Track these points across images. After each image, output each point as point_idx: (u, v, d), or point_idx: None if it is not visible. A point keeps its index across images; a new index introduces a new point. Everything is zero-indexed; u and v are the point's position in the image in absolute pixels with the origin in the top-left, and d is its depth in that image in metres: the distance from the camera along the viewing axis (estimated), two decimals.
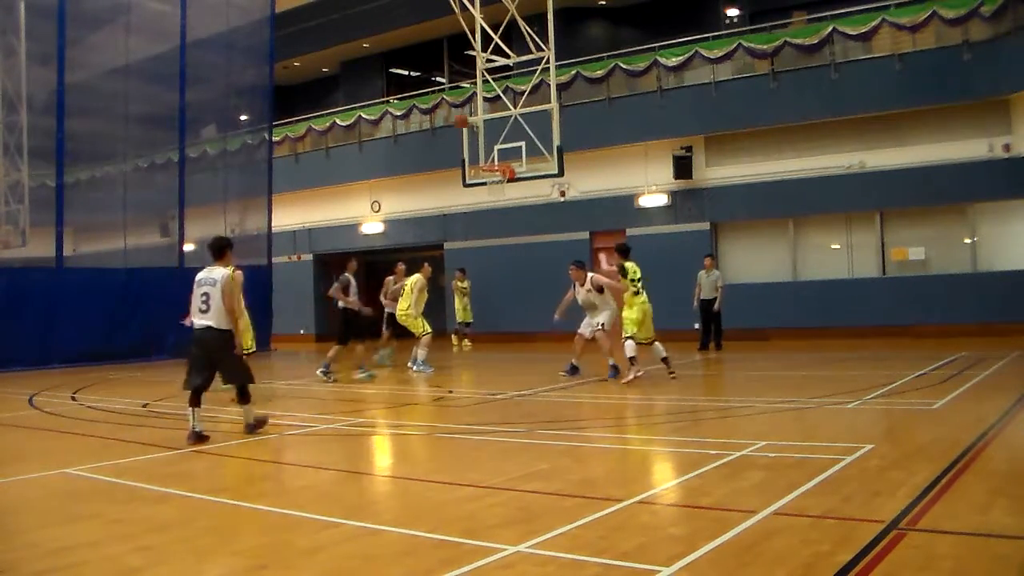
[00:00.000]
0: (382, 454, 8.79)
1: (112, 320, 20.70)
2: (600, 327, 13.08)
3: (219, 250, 9.30)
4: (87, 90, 21.91)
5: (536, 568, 4.40)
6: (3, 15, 21.33)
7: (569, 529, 5.01)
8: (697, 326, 19.11)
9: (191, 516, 5.79)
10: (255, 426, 9.33)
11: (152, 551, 4.94)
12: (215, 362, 9.04)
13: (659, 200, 22.41)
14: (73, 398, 13.17)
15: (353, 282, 14.68)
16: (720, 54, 21.18)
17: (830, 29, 19.83)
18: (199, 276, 9.16)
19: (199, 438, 8.67)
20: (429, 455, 8.34)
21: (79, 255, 23.03)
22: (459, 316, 22.46)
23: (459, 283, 22.52)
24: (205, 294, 9.00)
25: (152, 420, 10.74)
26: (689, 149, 21.75)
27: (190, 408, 8.83)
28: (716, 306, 18.38)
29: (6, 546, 5.22)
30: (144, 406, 12.02)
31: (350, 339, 14.72)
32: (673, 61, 21.85)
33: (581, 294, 13.32)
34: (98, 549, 5.05)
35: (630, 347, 12.43)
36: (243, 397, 9.29)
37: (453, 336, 22.56)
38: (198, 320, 9.03)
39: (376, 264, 28.69)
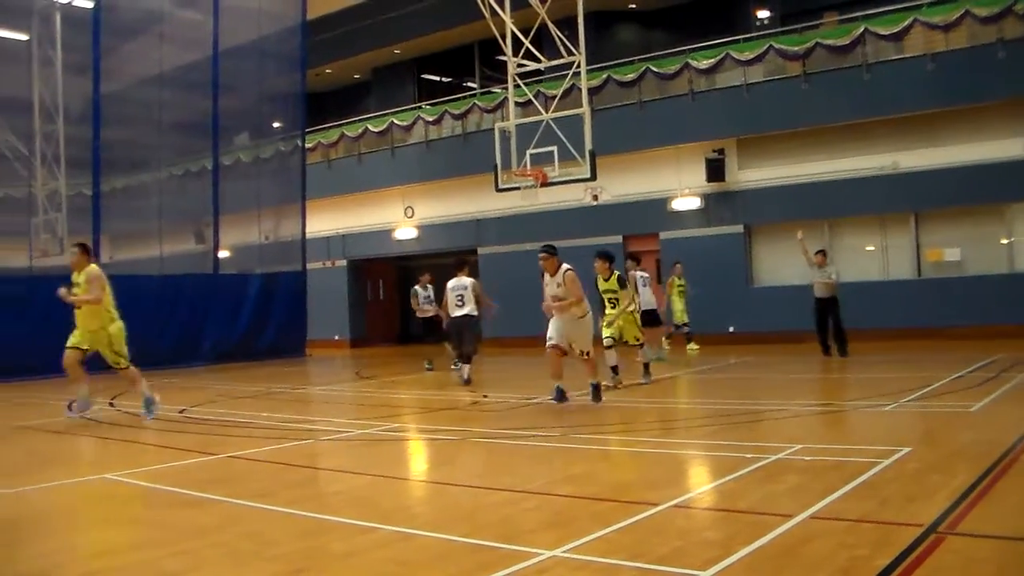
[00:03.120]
0: (417, 459, 8.82)
1: (148, 326, 20.82)
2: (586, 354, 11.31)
3: (460, 266, 14.55)
4: (122, 99, 22.13)
5: (572, 572, 4.40)
6: (40, 26, 21.67)
7: (604, 533, 4.99)
8: (813, 328, 16.68)
9: (228, 521, 5.83)
10: (467, 382, 13.80)
11: (190, 556, 4.99)
12: (466, 336, 14.23)
13: (692, 203, 22.32)
14: (111, 404, 13.32)
15: (423, 292, 18.02)
16: (751, 56, 21.07)
17: (862, 29, 19.64)
18: (451, 284, 14.26)
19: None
20: (463, 460, 8.35)
21: (115, 262, 23.22)
22: (677, 317, 19.26)
23: (676, 280, 19.46)
24: (460, 295, 14.06)
25: (189, 426, 10.85)
26: (721, 152, 21.66)
27: (464, 365, 14.12)
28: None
29: (45, 550, 5.29)
30: (181, 412, 12.15)
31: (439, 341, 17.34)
32: (704, 64, 21.76)
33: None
34: (136, 554, 5.11)
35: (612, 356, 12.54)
36: (468, 359, 14.14)
37: (664, 340, 18.83)
38: (459, 311, 14.01)
39: (409, 269, 28.83)
